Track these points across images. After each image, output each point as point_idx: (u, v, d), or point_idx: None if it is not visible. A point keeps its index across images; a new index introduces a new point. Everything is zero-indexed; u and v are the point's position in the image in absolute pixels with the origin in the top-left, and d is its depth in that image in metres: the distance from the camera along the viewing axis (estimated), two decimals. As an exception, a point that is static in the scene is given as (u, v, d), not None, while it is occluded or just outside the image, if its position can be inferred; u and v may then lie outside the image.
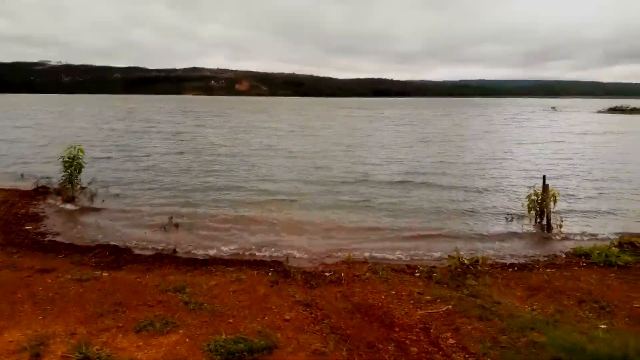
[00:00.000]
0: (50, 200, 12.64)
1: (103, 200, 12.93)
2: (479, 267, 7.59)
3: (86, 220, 11.13)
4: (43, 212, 11.54)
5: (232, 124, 50.27)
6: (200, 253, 8.88)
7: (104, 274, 7.24)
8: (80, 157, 12.70)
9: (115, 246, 8.94)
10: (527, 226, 11.03)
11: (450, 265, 7.78)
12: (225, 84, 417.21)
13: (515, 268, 7.73)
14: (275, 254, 8.80)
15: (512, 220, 11.45)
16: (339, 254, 8.94)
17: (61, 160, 12.71)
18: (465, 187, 15.52)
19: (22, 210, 11.44)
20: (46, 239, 9.43)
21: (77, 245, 8.93)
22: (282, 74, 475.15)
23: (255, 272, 7.42)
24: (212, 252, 8.91)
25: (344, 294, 6.47)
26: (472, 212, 12.32)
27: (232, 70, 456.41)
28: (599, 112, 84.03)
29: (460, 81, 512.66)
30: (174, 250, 8.96)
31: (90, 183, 13.90)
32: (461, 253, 8.02)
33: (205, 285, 6.67)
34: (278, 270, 7.54)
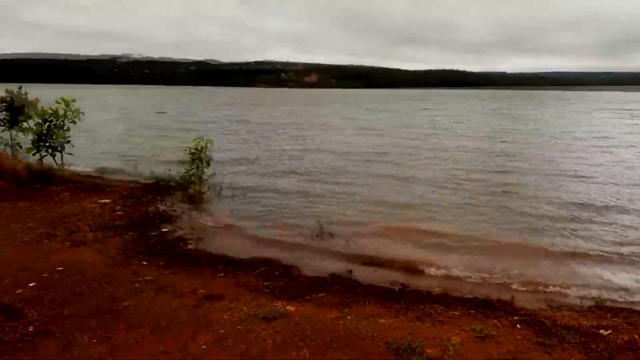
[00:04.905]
0: (176, 197, 11.24)
1: (233, 198, 11.43)
2: None
3: (224, 223, 9.54)
4: (173, 210, 10.09)
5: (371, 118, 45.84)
6: (383, 278, 6.91)
7: (288, 307, 5.44)
8: (210, 149, 11.23)
9: (280, 263, 7.18)
10: None
11: None
12: (295, 77, 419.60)
13: None
14: (494, 292, 6.60)
15: None
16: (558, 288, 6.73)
17: (187, 152, 11.30)
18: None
19: (150, 208, 10.01)
20: (190, 247, 7.86)
21: (231, 259, 7.25)
22: (351, 65, 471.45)
23: (496, 320, 5.30)
24: (400, 279, 6.91)
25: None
26: None
27: (301, 63, 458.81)
28: None
29: (535, 73, 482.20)
30: (350, 272, 7.06)
31: (212, 176, 12.40)
32: None
33: (449, 343, 4.63)
34: (525, 319, 5.37)
